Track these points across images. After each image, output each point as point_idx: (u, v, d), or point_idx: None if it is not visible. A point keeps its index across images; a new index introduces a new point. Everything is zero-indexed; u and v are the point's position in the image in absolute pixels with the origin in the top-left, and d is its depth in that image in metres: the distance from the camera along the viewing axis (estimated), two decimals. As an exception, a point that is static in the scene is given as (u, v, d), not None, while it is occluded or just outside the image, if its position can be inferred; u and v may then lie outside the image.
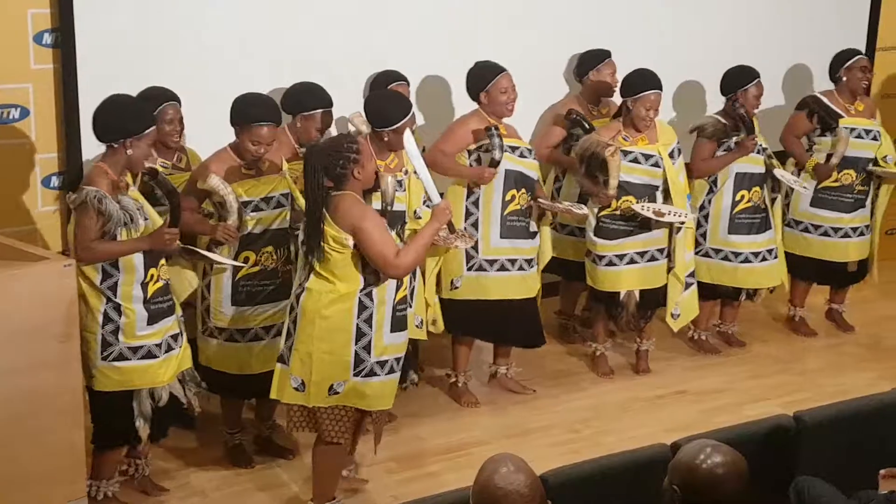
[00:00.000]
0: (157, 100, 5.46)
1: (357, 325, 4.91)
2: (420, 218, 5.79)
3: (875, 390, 5.29)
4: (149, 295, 5.00)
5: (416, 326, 5.73)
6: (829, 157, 6.89)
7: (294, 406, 5.01)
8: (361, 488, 5.49)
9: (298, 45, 6.45)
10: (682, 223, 6.44)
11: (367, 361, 4.95)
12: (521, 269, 6.17)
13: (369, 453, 5.63)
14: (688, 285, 6.59)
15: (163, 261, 5.07)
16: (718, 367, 6.96)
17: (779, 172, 6.77)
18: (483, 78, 6.06)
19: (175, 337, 5.12)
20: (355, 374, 4.94)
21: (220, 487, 5.52)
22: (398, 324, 5.05)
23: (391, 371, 5.05)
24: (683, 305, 6.61)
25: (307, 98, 5.80)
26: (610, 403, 6.44)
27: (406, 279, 5.07)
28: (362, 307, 4.91)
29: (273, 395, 5.10)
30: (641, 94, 6.32)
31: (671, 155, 6.46)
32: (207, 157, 5.49)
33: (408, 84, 6.30)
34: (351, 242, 4.80)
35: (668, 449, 4.03)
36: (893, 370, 6.76)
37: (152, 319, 5.01)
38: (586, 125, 6.53)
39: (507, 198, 6.11)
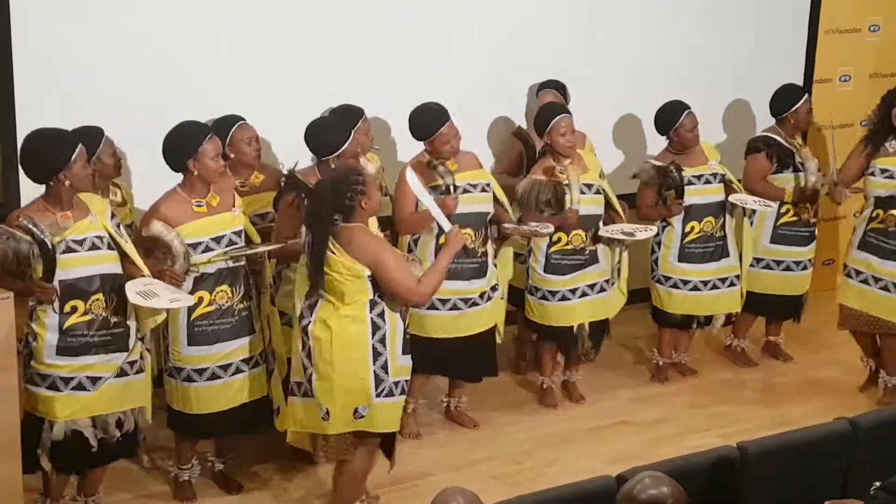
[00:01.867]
0: (85, 134, 5.31)
1: (373, 345, 5.00)
2: None
3: (814, 420, 5.29)
4: (65, 325, 4.90)
5: None
6: (799, 188, 6.88)
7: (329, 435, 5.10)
8: None
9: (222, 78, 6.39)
10: (645, 237, 6.52)
11: (387, 381, 5.05)
12: (474, 304, 6.07)
13: (326, 482, 5.64)
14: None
15: (98, 296, 4.93)
16: (659, 397, 6.91)
17: (735, 198, 6.73)
18: (430, 125, 5.95)
19: (95, 379, 4.99)
20: (377, 396, 5.02)
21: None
22: (406, 346, 5.15)
23: (402, 392, 5.16)
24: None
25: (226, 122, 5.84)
26: (553, 434, 6.37)
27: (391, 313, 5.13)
28: (376, 327, 5.01)
29: (289, 427, 5.23)
30: (552, 124, 6.25)
31: (601, 177, 6.48)
32: (157, 199, 5.35)
33: (365, 119, 6.23)
34: (367, 273, 4.92)
35: (613, 481, 3.97)
36: (832, 400, 6.73)
37: (64, 351, 4.91)
38: (530, 141, 6.66)
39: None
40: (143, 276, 5.07)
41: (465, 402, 6.37)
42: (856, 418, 4.66)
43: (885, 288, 6.49)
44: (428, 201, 5.42)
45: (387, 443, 5.25)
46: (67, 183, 4.88)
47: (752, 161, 6.99)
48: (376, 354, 5.01)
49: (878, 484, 3.78)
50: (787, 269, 6.99)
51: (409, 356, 5.18)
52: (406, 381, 5.18)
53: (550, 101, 6.53)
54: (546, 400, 6.67)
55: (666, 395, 6.91)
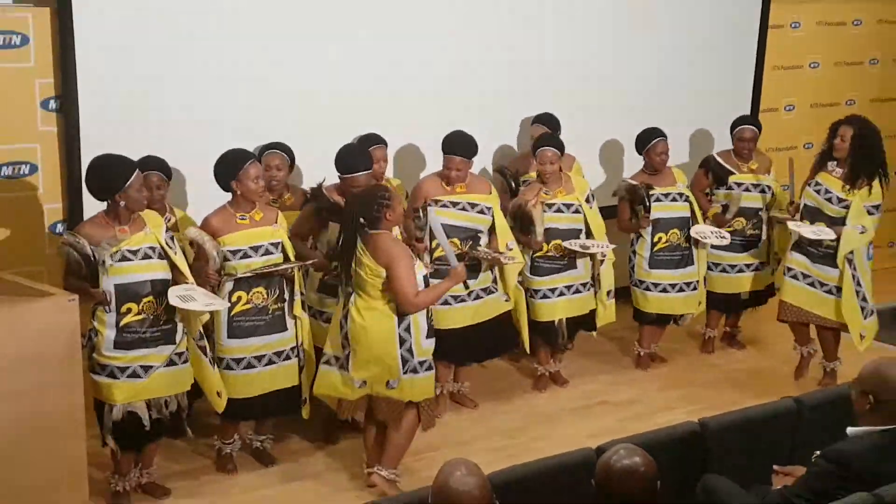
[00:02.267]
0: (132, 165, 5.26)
1: (399, 333, 5.18)
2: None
3: (765, 400, 5.22)
4: (121, 323, 4.97)
5: None
6: (724, 207, 7.02)
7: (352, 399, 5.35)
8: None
9: (274, 111, 6.40)
10: (604, 254, 6.52)
11: (412, 361, 5.21)
12: (477, 297, 6.19)
13: (350, 455, 5.76)
14: (610, 293, 6.68)
15: (149, 298, 5.01)
16: (633, 381, 6.97)
17: (695, 231, 6.84)
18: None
19: (147, 367, 5.04)
20: (404, 373, 5.19)
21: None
22: (430, 331, 5.29)
23: (429, 368, 5.30)
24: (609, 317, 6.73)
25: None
26: (541, 413, 6.44)
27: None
28: (401, 318, 5.17)
29: (321, 392, 5.44)
30: (537, 153, 6.42)
31: (587, 200, 6.55)
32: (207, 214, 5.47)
33: (385, 145, 6.25)
34: (384, 274, 5.07)
35: (593, 452, 4.02)
36: (781, 382, 6.81)
37: (120, 345, 4.99)
38: (511, 181, 6.73)
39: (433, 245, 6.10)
40: (187, 283, 5.10)
41: (467, 387, 6.43)
42: (800, 397, 4.75)
43: (813, 284, 6.58)
44: (444, 243, 5.55)
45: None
46: (122, 203, 4.95)
47: (696, 174, 7.20)
48: (402, 341, 5.17)
49: (818, 453, 3.80)
50: (724, 271, 7.11)
51: (433, 339, 5.31)
52: (430, 361, 5.33)
53: (542, 134, 6.59)
54: (539, 385, 6.77)
55: (639, 380, 7.00)
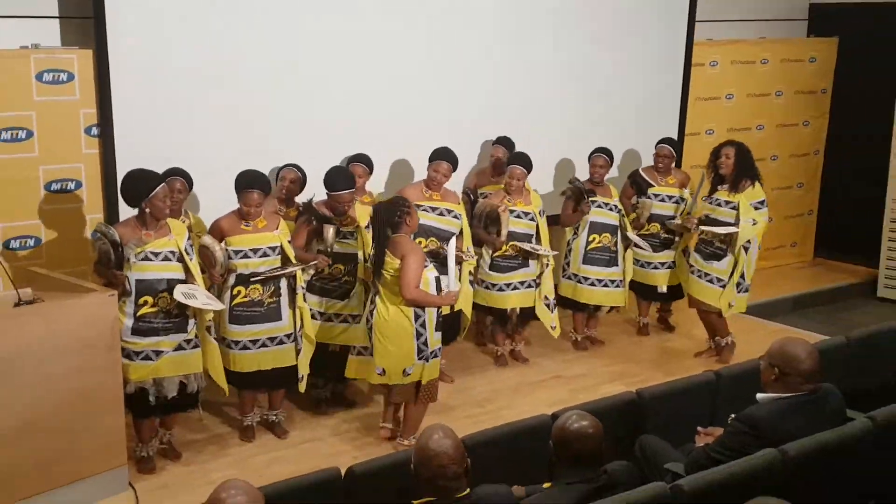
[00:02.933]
0: (163, 175, 5.34)
1: (416, 328, 5.27)
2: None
3: (690, 373, 5.35)
4: (138, 314, 4.99)
5: None
6: (635, 219, 7.13)
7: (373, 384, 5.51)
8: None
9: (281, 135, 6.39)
10: (548, 260, 6.57)
11: (426, 351, 5.32)
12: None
13: (345, 423, 5.77)
14: (550, 305, 6.66)
15: (164, 294, 5.03)
16: (581, 359, 6.99)
17: (629, 234, 6.94)
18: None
19: (158, 352, 5.04)
20: (419, 360, 5.31)
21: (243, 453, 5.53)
22: (439, 326, 5.40)
23: (435, 356, 5.42)
24: (554, 321, 6.69)
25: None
26: (506, 386, 6.47)
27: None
28: (417, 316, 5.27)
29: (351, 375, 5.67)
30: (509, 168, 6.48)
31: (540, 213, 6.61)
32: (218, 217, 5.50)
33: (370, 167, 6.18)
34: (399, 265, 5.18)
35: (549, 418, 4.06)
36: (703, 359, 6.90)
37: (136, 332, 5.00)
38: (470, 194, 6.72)
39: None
40: (193, 283, 5.11)
41: (444, 363, 6.37)
42: (719, 370, 4.81)
43: (702, 277, 6.72)
44: (451, 263, 5.46)
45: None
46: (148, 210, 4.98)
47: (623, 186, 7.25)
48: (418, 334, 5.26)
49: (733, 416, 3.85)
50: (641, 266, 7.13)
51: (440, 332, 5.43)
52: (440, 348, 5.46)
53: (515, 153, 6.58)
54: (499, 362, 6.80)
55: (585, 358, 7.01)
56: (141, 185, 5.02)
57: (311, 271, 5.66)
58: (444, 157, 6.19)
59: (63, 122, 5.77)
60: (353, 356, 5.62)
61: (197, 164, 5.81)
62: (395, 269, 5.19)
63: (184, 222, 5.46)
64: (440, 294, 5.36)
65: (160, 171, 5.35)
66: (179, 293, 5.01)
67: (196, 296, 5.06)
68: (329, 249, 5.66)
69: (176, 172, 5.55)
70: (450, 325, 6.27)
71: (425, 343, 5.32)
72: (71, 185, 5.87)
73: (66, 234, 5.88)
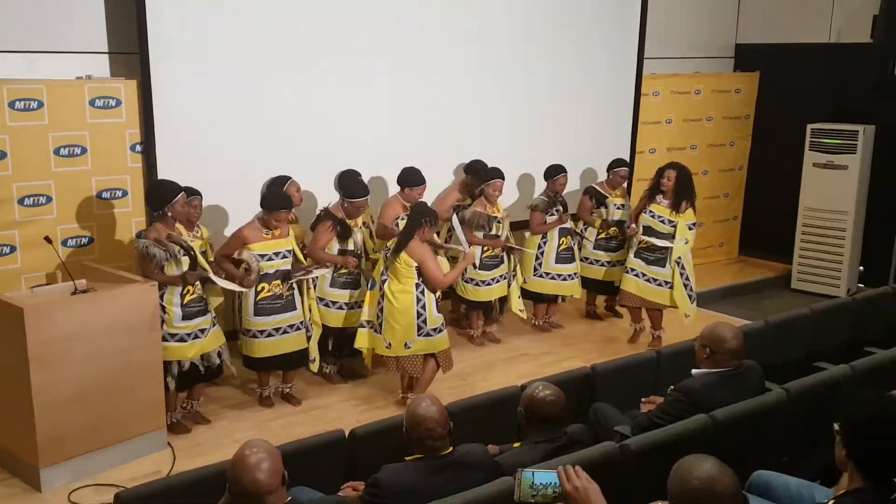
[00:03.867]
0: (178, 188, 5.21)
1: (417, 309, 5.29)
2: (376, 251, 5.86)
3: (636, 351, 5.39)
4: (184, 301, 4.99)
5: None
6: (604, 220, 7.00)
7: (386, 356, 5.44)
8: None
9: (309, 151, 6.37)
10: (527, 251, 6.58)
11: (425, 328, 5.32)
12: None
13: (348, 393, 5.74)
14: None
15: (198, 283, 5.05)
16: (544, 340, 6.95)
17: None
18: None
19: (203, 330, 5.07)
20: (419, 335, 5.33)
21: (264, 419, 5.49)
22: (437, 308, 5.41)
23: (439, 332, 5.41)
24: (522, 305, 6.66)
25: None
26: (482, 363, 6.43)
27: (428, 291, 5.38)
28: (418, 299, 5.30)
29: (361, 345, 5.50)
30: (491, 181, 6.39)
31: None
32: (242, 225, 5.42)
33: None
34: (415, 265, 5.25)
35: (518, 389, 4.07)
36: (644, 340, 6.82)
37: (185, 317, 5.00)
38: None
39: None
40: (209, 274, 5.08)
41: None
42: (660, 349, 4.81)
43: (649, 280, 6.54)
44: (459, 232, 5.69)
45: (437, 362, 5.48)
46: (170, 214, 4.98)
47: (582, 198, 7.10)
48: (419, 314, 5.27)
49: (672, 387, 3.86)
50: (602, 265, 7.06)
51: (440, 314, 5.43)
52: (441, 326, 5.41)
53: (494, 167, 6.46)
54: (475, 342, 6.75)
55: (548, 339, 6.96)
56: (163, 193, 5.01)
57: (325, 270, 5.60)
58: (419, 180, 6.06)
59: (112, 140, 5.75)
60: (362, 329, 5.52)
61: (224, 178, 5.80)
62: (406, 263, 5.23)
63: (196, 233, 5.43)
64: (457, 265, 5.56)
65: (193, 184, 5.36)
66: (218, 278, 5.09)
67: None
68: (358, 251, 5.64)
69: (195, 192, 5.45)
70: None
71: (425, 322, 5.32)
72: (118, 194, 5.85)
73: (115, 234, 5.86)
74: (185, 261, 4.98)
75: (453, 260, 6.05)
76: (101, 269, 5.11)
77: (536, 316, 7.14)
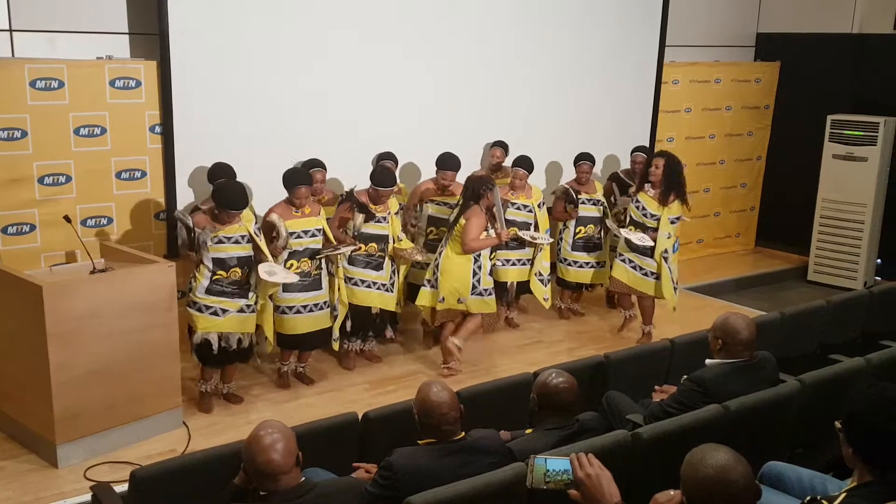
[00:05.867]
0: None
1: (473, 269, 5.71)
2: (401, 241, 5.90)
3: (625, 343, 5.36)
4: (213, 279, 5.01)
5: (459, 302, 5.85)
6: (625, 210, 6.81)
7: (439, 309, 5.79)
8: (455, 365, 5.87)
9: (324, 137, 6.35)
10: (543, 244, 6.48)
11: (478, 288, 5.75)
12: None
13: (361, 375, 5.76)
14: (544, 281, 6.56)
15: (235, 269, 5.07)
16: (560, 327, 6.93)
17: (608, 223, 6.71)
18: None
19: (224, 310, 5.05)
20: (472, 294, 5.75)
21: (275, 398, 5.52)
22: (492, 271, 5.89)
23: (490, 294, 5.85)
24: (547, 293, 6.58)
25: (308, 165, 5.81)
26: (497, 349, 6.41)
27: (487, 255, 5.81)
28: (475, 260, 5.71)
29: (422, 303, 5.84)
30: (513, 169, 6.41)
31: (539, 206, 6.54)
32: (272, 205, 5.46)
33: (396, 162, 6.26)
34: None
35: (531, 375, 4.06)
36: (657, 330, 6.63)
37: (209, 291, 5.03)
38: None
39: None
40: (269, 261, 5.13)
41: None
42: (674, 339, 4.75)
43: (635, 268, 6.34)
44: (498, 209, 5.88)
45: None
46: (220, 213, 5.02)
47: (605, 186, 7.01)
48: (474, 274, 5.72)
49: (685, 377, 3.84)
50: (580, 266, 6.85)
51: (491, 277, 5.84)
52: (491, 290, 5.84)
53: (519, 156, 6.46)
54: (490, 327, 6.56)
55: (563, 326, 6.95)
56: (237, 200, 5.00)
57: (353, 247, 5.64)
58: (448, 165, 6.12)
59: (131, 121, 5.76)
60: (424, 288, 5.82)
61: (242, 159, 5.78)
62: (462, 227, 5.60)
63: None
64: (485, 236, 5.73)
65: (209, 163, 5.39)
66: (263, 272, 5.05)
67: (276, 272, 5.13)
68: (354, 233, 5.64)
69: (229, 172, 5.49)
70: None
71: (479, 281, 5.71)
72: (137, 174, 5.87)
73: (133, 215, 5.89)
74: (220, 248, 5.04)
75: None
76: (119, 249, 5.14)
77: (561, 300, 7.12)
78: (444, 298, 5.71)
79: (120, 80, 5.67)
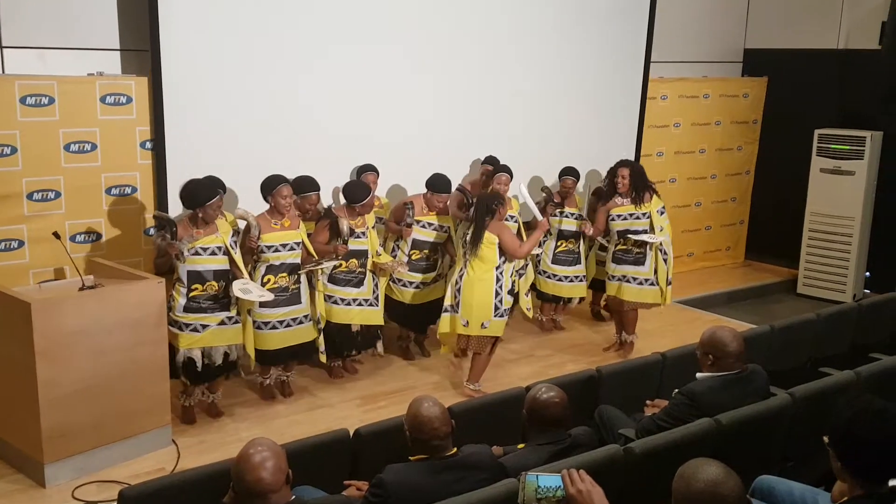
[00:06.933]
0: (215, 185, 5.30)
1: (495, 289, 5.53)
2: (380, 255, 5.86)
3: (640, 355, 5.32)
4: (190, 295, 4.99)
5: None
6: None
7: (461, 335, 5.62)
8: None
9: (307, 153, 6.34)
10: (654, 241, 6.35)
11: (500, 308, 5.57)
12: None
13: (352, 391, 5.73)
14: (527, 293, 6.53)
15: (212, 282, 5.03)
16: (549, 342, 6.91)
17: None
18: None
19: (204, 325, 5.03)
20: (495, 316, 5.56)
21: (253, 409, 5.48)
22: (510, 290, 5.63)
23: (505, 315, 5.66)
24: (529, 304, 6.51)
25: (305, 185, 5.75)
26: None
27: (507, 273, 5.60)
28: (497, 279, 5.54)
29: (444, 330, 5.64)
30: (496, 176, 6.32)
31: (520, 214, 6.52)
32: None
33: (377, 173, 6.22)
34: (496, 241, 5.50)
35: (523, 390, 4.03)
36: (648, 343, 6.59)
37: (187, 309, 5.00)
38: (469, 198, 6.47)
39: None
40: (243, 277, 5.09)
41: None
42: (664, 353, 4.75)
43: (629, 281, 6.30)
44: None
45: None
46: (200, 214, 4.99)
47: (589, 201, 6.93)
48: (496, 293, 5.54)
49: (676, 390, 3.83)
50: (559, 280, 6.84)
51: (511, 295, 5.63)
52: (509, 308, 5.66)
53: (499, 165, 6.44)
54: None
55: (554, 340, 6.94)
56: (199, 194, 5.01)
57: (335, 262, 5.60)
58: (440, 187, 6.07)
59: (122, 137, 5.75)
60: (445, 314, 5.62)
61: (234, 174, 5.77)
62: (490, 240, 5.49)
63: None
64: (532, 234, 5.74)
65: (202, 176, 5.33)
66: (237, 290, 5.01)
67: (251, 290, 5.08)
68: (346, 239, 5.61)
69: (219, 184, 5.46)
70: (427, 314, 6.23)
71: (501, 301, 5.55)
72: (128, 190, 5.85)
73: (123, 231, 5.86)
74: (196, 259, 5.01)
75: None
76: (108, 266, 5.11)
77: (542, 313, 7.12)
78: (468, 322, 5.54)
79: (111, 97, 5.66)
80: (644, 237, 6.31)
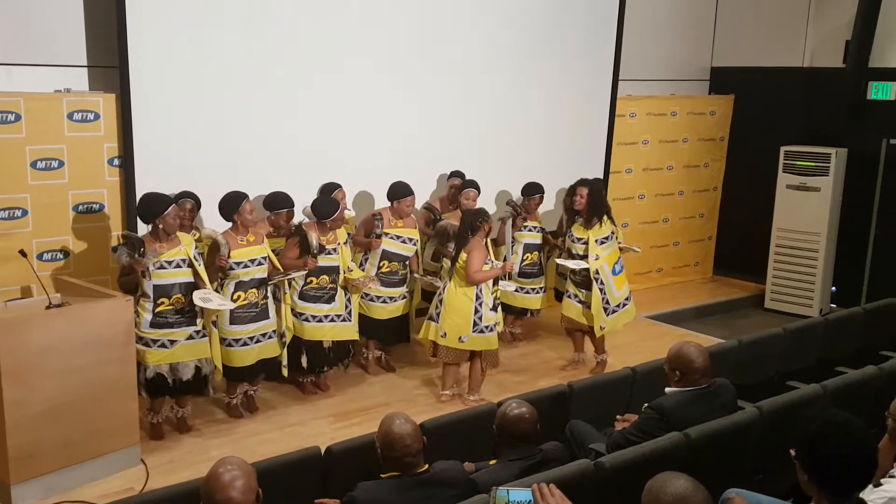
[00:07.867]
0: (176, 196, 5.34)
1: (475, 306, 5.61)
2: (352, 271, 5.86)
3: (609, 370, 5.34)
4: (156, 311, 4.98)
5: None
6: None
7: (440, 345, 5.71)
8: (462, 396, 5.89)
9: (274, 169, 6.35)
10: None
11: (480, 325, 5.64)
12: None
13: (323, 409, 5.70)
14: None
15: (178, 295, 5.01)
16: (523, 358, 6.89)
17: (559, 260, 6.57)
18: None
19: (172, 340, 5.02)
20: (473, 331, 5.64)
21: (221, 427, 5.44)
22: (493, 306, 5.71)
23: (491, 331, 5.73)
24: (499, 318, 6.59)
25: (279, 201, 5.75)
26: (461, 379, 6.11)
27: (487, 289, 5.67)
28: (477, 297, 5.63)
29: (423, 336, 5.76)
30: (464, 192, 6.41)
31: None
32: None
33: (343, 191, 6.19)
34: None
35: (494, 405, 4.04)
36: (619, 359, 6.58)
37: (154, 325, 4.99)
38: (435, 214, 6.60)
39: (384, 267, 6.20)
40: (206, 287, 5.10)
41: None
42: (635, 367, 4.78)
43: (580, 302, 6.33)
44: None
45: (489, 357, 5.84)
46: (161, 226, 4.97)
47: (561, 218, 6.92)
48: (475, 311, 5.63)
49: (646, 405, 3.85)
50: (517, 290, 6.79)
51: (495, 311, 5.72)
52: (494, 324, 5.74)
53: (467, 180, 6.55)
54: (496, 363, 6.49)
55: (526, 356, 6.93)
56: (155, 205, 5.01)
57: (304, 273, 5.61)
58: (408, 190, 6.14)
59: (89, 154, 5.73)
60: (428, 322, 5.77)
61: (201, 191, 5.74)
62: (464, 261, 5.56)
63: (195, 236, 5.39)
64: (491, 267, 5.70)
65: (171, 194, 5.32)
66: (198, 298, 5.00)
67: (212, 299, 5.07)
68: (315, 252, 5.61)
69: (187, 194, 5.53)
70: (399, 329, 6.32)
71: (480, 318, 5.62)
72: (95, 207, 5.82)
73: (91, 248, 5.83)
74: (161, 273, 5.00)
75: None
76: (76, 284, 5.07)
77: (507, 324, 7.12)
78: (445, 333, 5.66)
79: (78, 113, 5.63)
80: (570, 263, 6.29)
